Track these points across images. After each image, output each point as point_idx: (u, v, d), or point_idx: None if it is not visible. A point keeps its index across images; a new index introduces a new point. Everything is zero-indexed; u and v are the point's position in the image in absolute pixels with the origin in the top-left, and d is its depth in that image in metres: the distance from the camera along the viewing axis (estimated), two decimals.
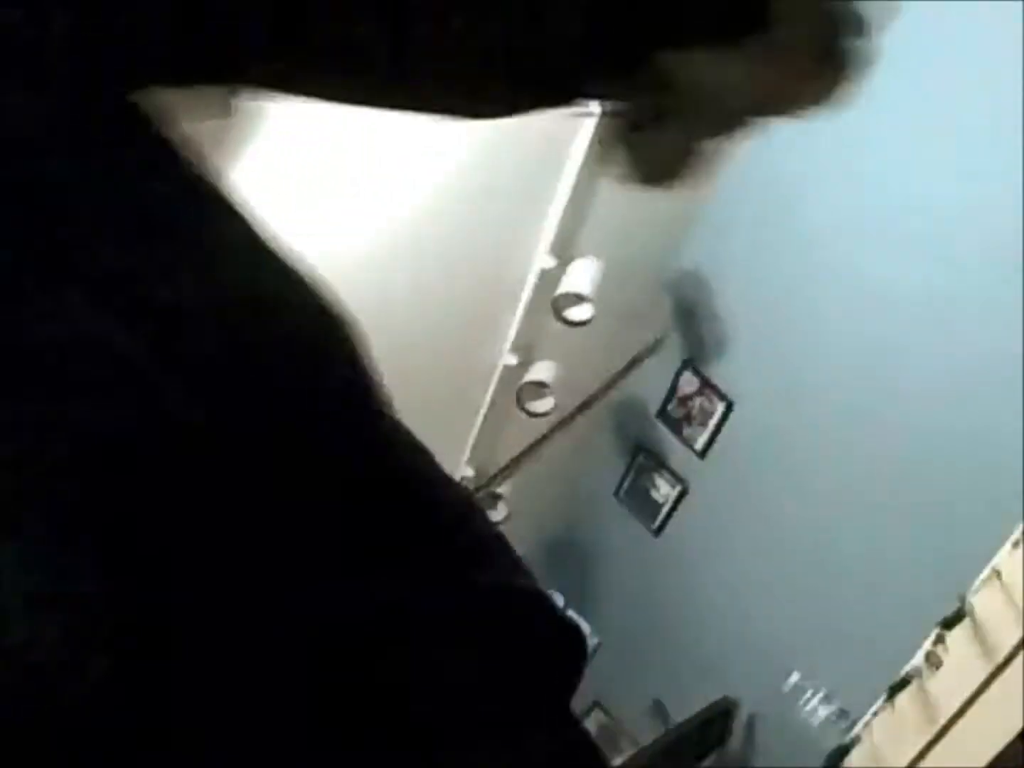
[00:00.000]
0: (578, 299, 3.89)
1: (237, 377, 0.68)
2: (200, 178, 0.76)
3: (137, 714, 0.61)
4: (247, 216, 0.78)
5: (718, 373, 4.24)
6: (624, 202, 3.88)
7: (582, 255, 3.92)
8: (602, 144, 0.87)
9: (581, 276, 3.86)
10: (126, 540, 0.61)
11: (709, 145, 0.84)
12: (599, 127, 3.55)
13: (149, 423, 0.63)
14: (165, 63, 0.72)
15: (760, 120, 0.85)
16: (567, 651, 0.84)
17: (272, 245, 0.79)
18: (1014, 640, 2.80)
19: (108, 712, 0.60)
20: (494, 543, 0.82)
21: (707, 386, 4.26)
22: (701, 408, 4.29)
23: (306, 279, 0.78)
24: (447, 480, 0.81)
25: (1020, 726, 2.87)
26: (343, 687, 0.67)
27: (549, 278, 3.94)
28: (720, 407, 4.22)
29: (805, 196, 3.76)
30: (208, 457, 0.65)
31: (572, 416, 4.26)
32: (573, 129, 3.63)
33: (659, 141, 0.85)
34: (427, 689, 0.71)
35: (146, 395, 0.64)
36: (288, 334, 0.72)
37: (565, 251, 3.93)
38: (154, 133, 0.73)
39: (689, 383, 4.32)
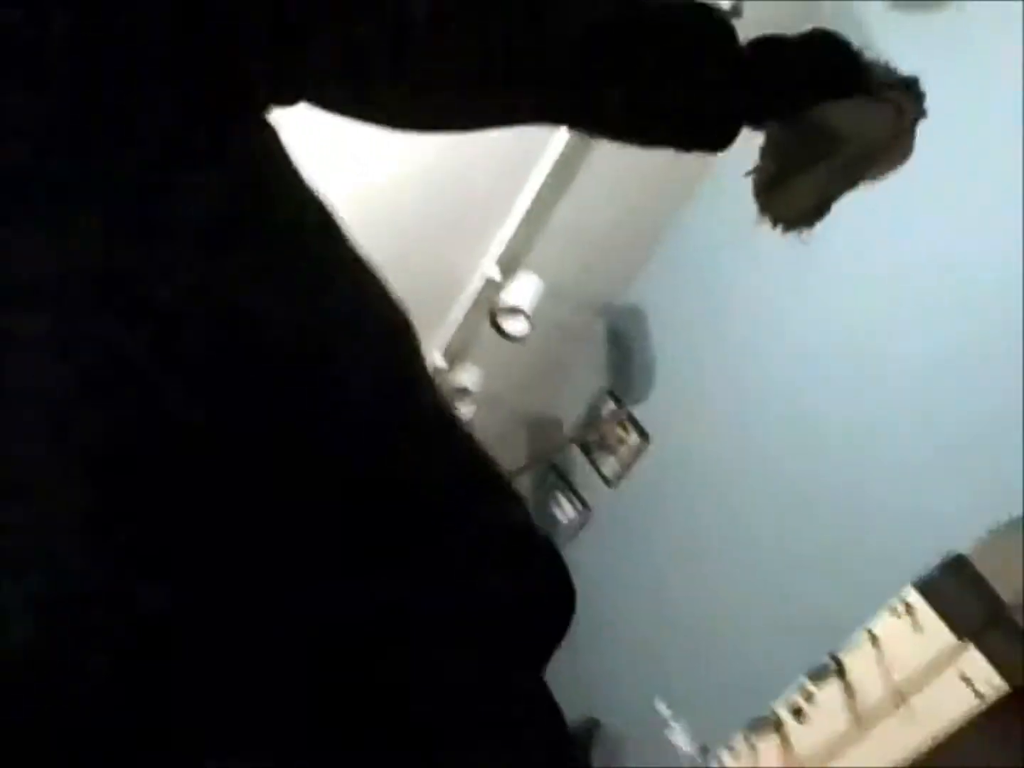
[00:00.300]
0: (516, 313, 3.95)
1: (237, 377, 0.67)
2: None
3: (137, 713, 0.60)
4: (273, 214, 0.77)
5: (640, 407, 4.33)
6: (580, 227, 3.94)
7: (529, 271, 3.98)
8: (753, 191, 1.00)
9: (524, 291, 3.91)
10: (126, 540, 0.62)
11: (838, 193, 0.99)
12: (569, 147, 3.63)
13: (149, 423, 0.63)
14: (165, 63, 0.72)
15: (871, 174, 1.00)
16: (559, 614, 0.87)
17: (302, 243, 0.78)
18: (880, 702, 2.90)
19: (108, 711, 0.60)
20: (498, 538, 0.81)
21: (626, 417, 4.34)
22: (617, 437, 4.37)
23: (325, 274, 0.77)
24: (458, 474, 0.79)
25: None
26: (343, 687, 0.66)
27: (492, 288, 3.99)
28: (635, 440, 4.31)
29: (756, 254, 3.87)
30: (208, 457, 0.64)
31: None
32: (542, 145, 3.68)
33: (799, 188, 0.98)
34: (427, 689, 0.69)
35: (146, 395, 0.64)
36: (287, 333, 0.71)
37: (512, 264, 3.98)
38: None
39: (609, 412, 4.40)
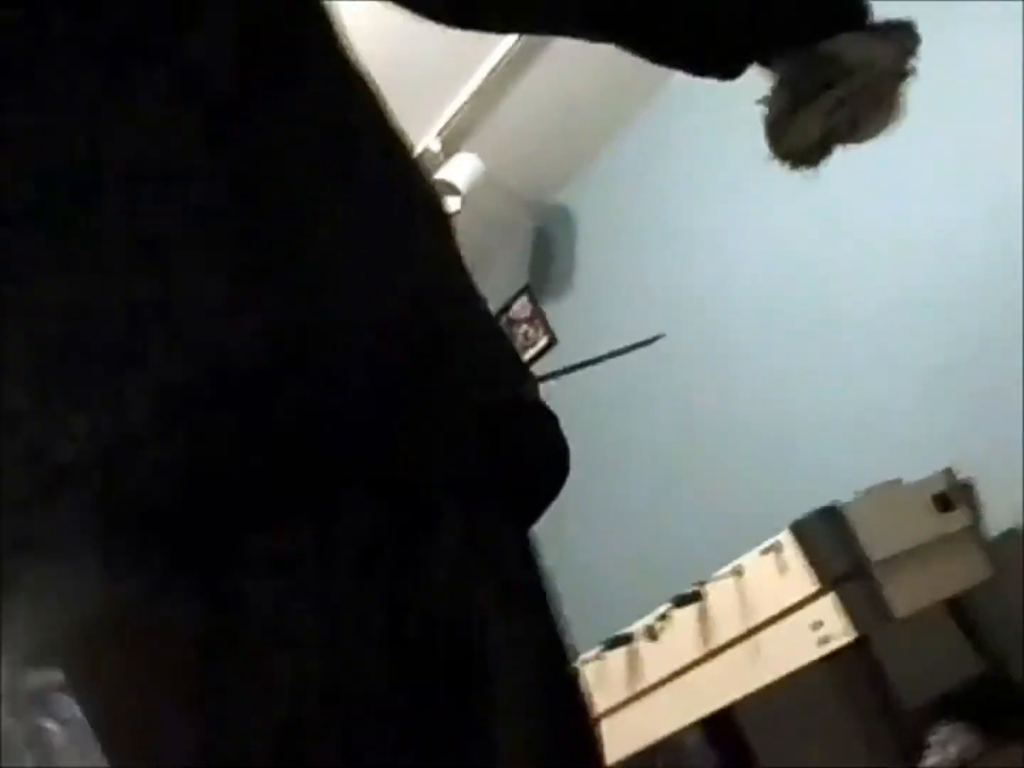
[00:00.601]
0: (450, 190, 3.89)
1: (237, 378, 0.67)
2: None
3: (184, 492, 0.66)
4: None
5: (553, 308, 4.33)
6: (530, 117, 3.89)
7: (470, 152, 3.92)
8: (764, 123, 1.03)
9: (462, 170, 3.87)
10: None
11: (842, 128, 1.03)
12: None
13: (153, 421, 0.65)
14: (164, 62, 0.71)
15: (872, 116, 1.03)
16: None
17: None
18: (732, 632, 2.97)
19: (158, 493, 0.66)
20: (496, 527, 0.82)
21: (538, 317, 4.34)
22: (525, 336, 4.37)
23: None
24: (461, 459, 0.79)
25: (707, 712, 3.07)
26: None
27: (429, 160, 3.92)
28: (543, 341, 4.31)
29: (694, 177, 3.87)
30: (210, 456, 0.66)
31: None
32: None
33: (808, 119, 1.01)
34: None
35: (150, 396, 0.65)
36: (287, 333, 0.71)
37: (454, 141, 3.92)
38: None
39: (523, 308, 4.39)
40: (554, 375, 3.87)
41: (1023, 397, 3.18)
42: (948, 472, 3.16)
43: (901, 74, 1.02)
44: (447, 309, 0.81)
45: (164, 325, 0.66)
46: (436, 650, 0.71)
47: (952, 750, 2.74)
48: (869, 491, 2.97)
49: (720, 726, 3.26)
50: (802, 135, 1.02)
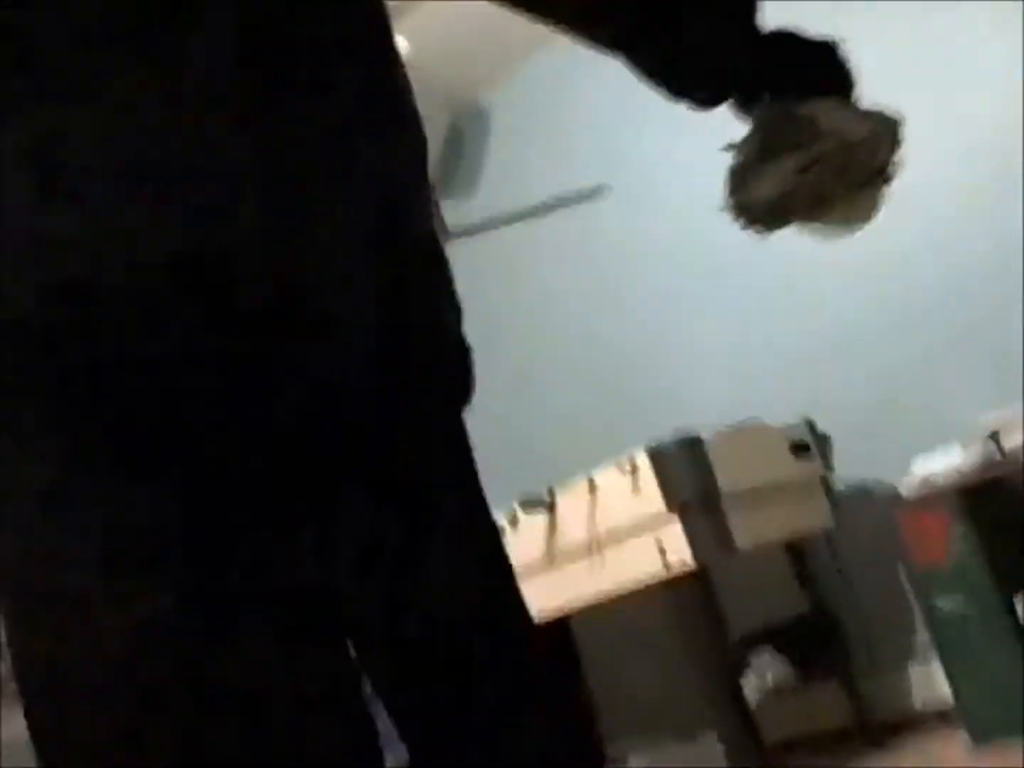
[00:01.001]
0: None
1: (238, 378, 0.68)
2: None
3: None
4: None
5: (451, 205, 4.31)
6: (465, 13, 3.84)
7: (399, 34, 3.84)
8: (728, 170, 1.02)
9: None
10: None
11: (800, 196, 1.00)
12: None
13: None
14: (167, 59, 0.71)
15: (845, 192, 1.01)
16: None
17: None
18: (577, 545, 3.02)
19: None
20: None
21: (434, 210, 4.29)
22: None
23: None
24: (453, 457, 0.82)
25: (542, 619, 3.11)
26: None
27: None
28: None
29: (612, 106, 3.86)
30: (210, 455, 0.67)
31: None
32: None
33: (768, 175, 1.00)
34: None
35: (155, 400, 0.67)
36: (287, 332, 0.71)
37: None
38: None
39: None
40: (475, 231, 3.87)
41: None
42: (809, 422, 3.24)
43: (878, 167, 1.00)
44: (446, 306, 0.84)
45: (163, 325, 0.67)
46: (436, 650, 0.73)
47: (768, 677, 2.84)
48: (731, 427, 3.03)
49: (553, 635, 3.31)
50: (762, 189, 1.00)
